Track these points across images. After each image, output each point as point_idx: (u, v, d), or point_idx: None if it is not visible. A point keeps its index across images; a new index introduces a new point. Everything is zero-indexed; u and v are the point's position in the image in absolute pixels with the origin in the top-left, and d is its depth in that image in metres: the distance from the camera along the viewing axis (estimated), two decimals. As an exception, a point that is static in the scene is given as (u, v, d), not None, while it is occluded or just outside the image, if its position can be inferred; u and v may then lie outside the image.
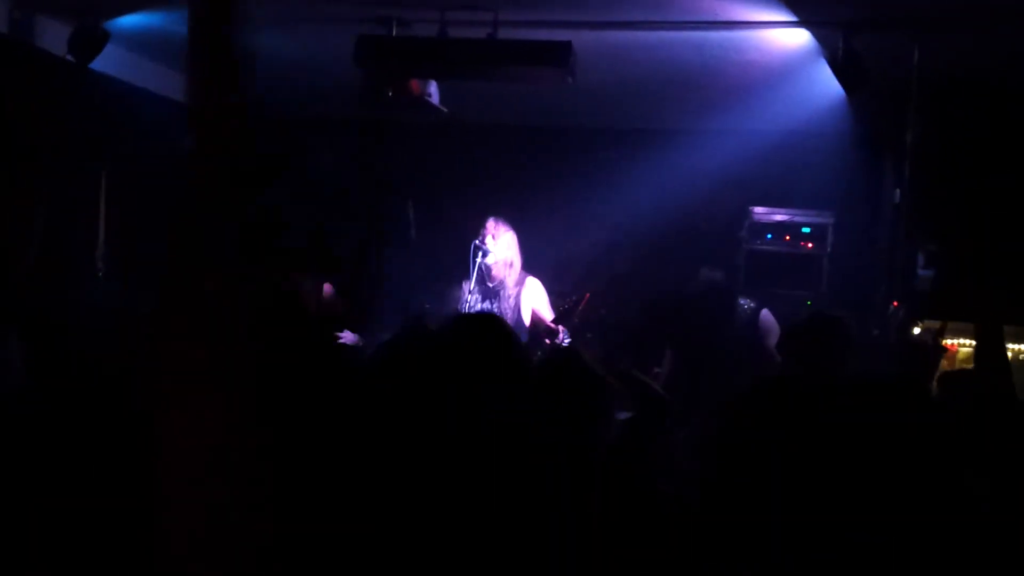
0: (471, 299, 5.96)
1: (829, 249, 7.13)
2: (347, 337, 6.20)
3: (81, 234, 6.87)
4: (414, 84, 5.91)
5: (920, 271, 6.32)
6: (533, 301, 5.96)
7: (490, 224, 5.98)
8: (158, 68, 7.18)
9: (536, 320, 5.90)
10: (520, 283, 6.02)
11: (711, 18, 5.49)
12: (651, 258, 7.72)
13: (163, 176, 7.38)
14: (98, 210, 7.11)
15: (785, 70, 6.11)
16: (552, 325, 5.68)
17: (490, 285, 6.00)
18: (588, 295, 5.72)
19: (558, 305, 5.76)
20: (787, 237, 7.21)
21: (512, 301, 5.95)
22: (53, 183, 6.30)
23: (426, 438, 2.36)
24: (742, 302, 5.59)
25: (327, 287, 6.55)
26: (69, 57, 5.88)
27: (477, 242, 5.92)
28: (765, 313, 5.52)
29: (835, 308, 6.30)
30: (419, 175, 8.58)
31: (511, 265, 6.00)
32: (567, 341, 5.61)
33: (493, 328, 2.99)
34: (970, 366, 5.69)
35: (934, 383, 3.80)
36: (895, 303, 6.09)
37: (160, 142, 7.11)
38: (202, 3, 1.89)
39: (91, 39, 5.87)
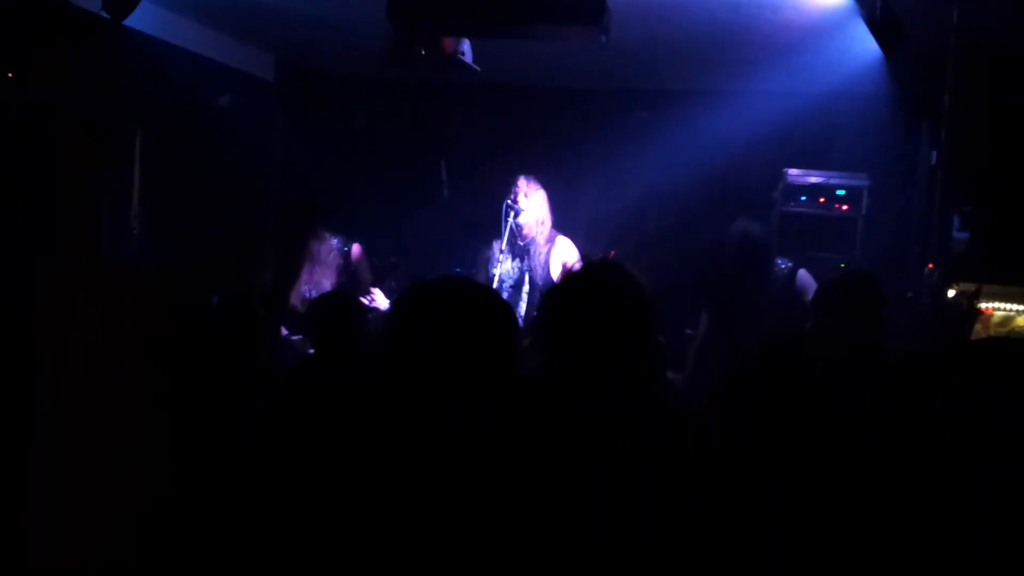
0: (502, 258, 5.97)
1: (864, 211, 7.08)
2: (378, 299, 6.23)
3: (115, 193, 6.92)
4: (447, 43, 5.89)
5: (955, 234, 6.27)
6: (563, 260, 5.96)
7: (521, 183, 5.99)
8: (193, 26, 7.20)
9: None
10: (551, 241, 6.03)
11: (747, -24, 5.45)
12: (683, 219, 7.70)
13: (197, 134, 7.47)
14: (133, 168, 7.15)
15: (821, 30, 6.04)
16: None
17: (520, 243, 6.01)
18: (612, 253, 5.72)
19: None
20: (821, 199, 7.16)
21: (542, 259, 5.96)
22: (89, 142, 6.35)
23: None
24: (779, 262, 5.56)
25: (356, 248, 6.58)
26: (103, 13, 5.88)
27: (509, 201, 5.93)
28: (803, 273, 5.50)
29: (871, 270, 6.29)
30: (452, 135, 8.58)
31: (542, 223, 6.01)
32: None
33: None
34: (1005, 329, 5.68)
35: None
36: (930, 265, 6.05)
37: (194, 100, 7.22)
38: None
39: (126, -4, 5.87)
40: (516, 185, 5.97)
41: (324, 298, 4.76)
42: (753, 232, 5.61)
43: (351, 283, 6.48)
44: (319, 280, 6.55)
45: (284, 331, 5.91)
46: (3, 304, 2.83)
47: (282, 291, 6.27)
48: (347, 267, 6.59)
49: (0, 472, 2.45)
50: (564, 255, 5.98)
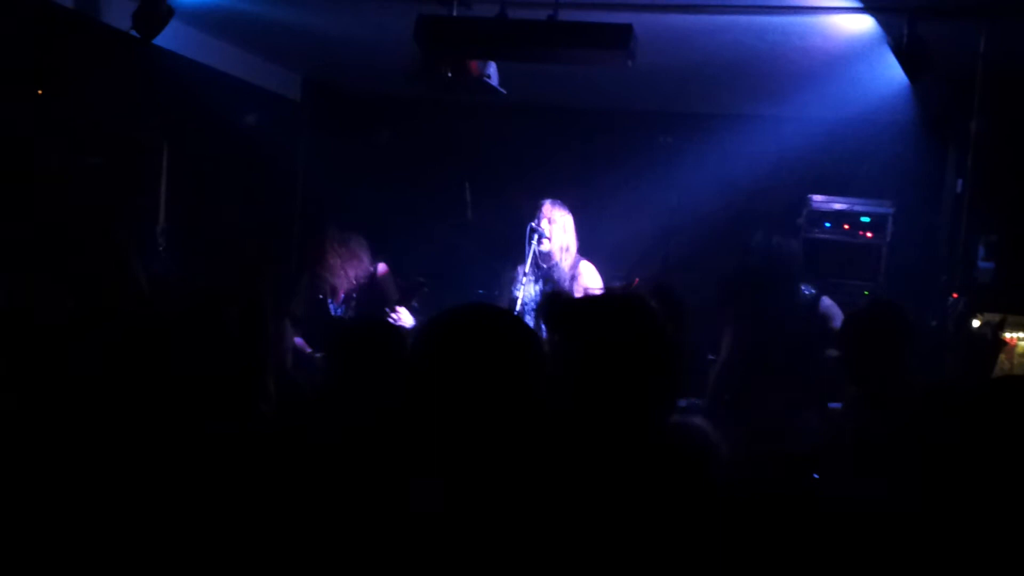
0: (525, 281, 5.97)
1: (888, 239, 7.05)
2: (403, 318, 6.23)
3: (143, 208, 6.97)
4: (473, 65, 5.91)
5: (980, 263, 6.24)
6: (587, 286, 5.96)
7: (546, 207, 5.98)
8: (221, 45, 7.26)
9: None
10: (575, 267, 6.02)
11: (774, 3, 5.45)
12: (707, 245, 7.69)
13: (223, 152, 7.52)
14: (159, 185, 7.21)
15: (848, 56, 6.04)
16: None
17: (544, 267, 6.01)
18: (637, 280, 5.71)
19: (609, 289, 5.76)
20: (846, 226, 7.13)
21: (567, 284, 5.95)
22: (117, 158, 6.41)
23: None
24: (803, 288, 5.53)
25: (382, 266, 6.57)
26: (134, 32, 5.94)
27: (533, 224, 5.93)
28: (826, 299, 5.46)
29: (894, 299, 6.27)
30: (477, 156, 8.60)
31: (567, 249, 6.00)
32: None
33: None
34: (1030, 360, 5.64)
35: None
36: (955, 295, 6.02)
37: (221, 119, 7.27)
38: None
39: (155, 15, 5.92)
40: (541, 210, 5.97)
41: (364, 322, 4.54)
42: (778, 241, 5.57)
43: (378, 300, 6.46)
44: (352, 292, 6.46)
45: (300, 342, 5.90)
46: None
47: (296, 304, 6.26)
48: (372, 284, 6.57)
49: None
50: (588, 280, 5.97)
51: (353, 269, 6.40)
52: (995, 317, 4.77)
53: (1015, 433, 1.80)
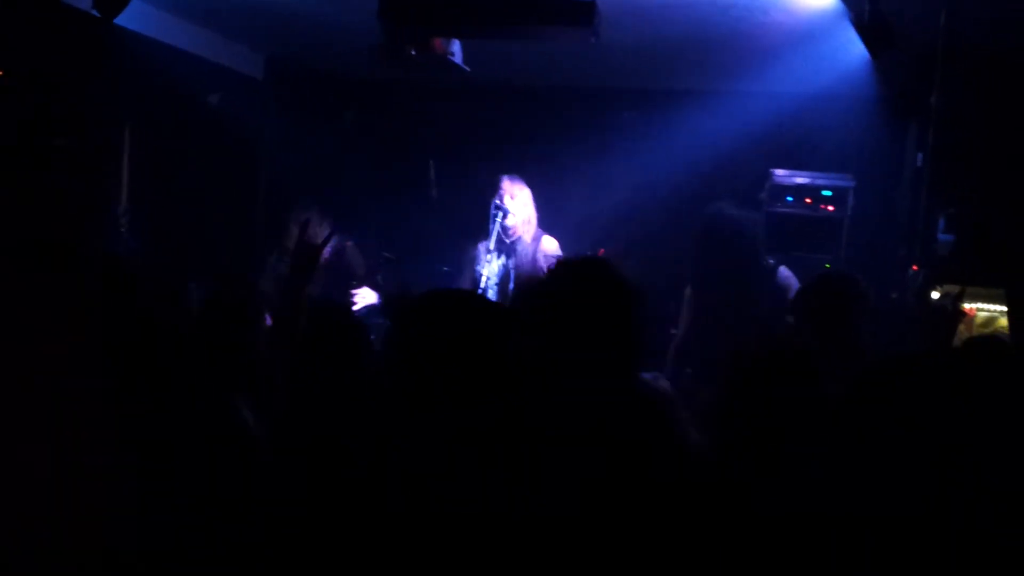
0: (489, 258, 6.00)
1: (849, 212, 7.11)
2: (366, 295, 6.25)
3: (104, 190, 6.92)
4: (437, 43, 5.91)
5: (940, 236, 6.31)
6: (548, 259, 6.00)
7: (506, 183, 6.02)
8: (182, 24, 7.20)
9: None
10: (536, 240, 6.07)
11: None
12: (670, 219, 7.73)
13: (186, 132, 7.46)
14: (121, 166, 7.15)
15: (810, 32, 6.08)
16: None
17: (507, 242, 6.05)
18: (601, 251, 5.75)
19: None
20: (807, 200, 7.19)
21: (529, 257, 6.00)
22: (77, 139, 6.35)
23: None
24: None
25: (349, 244, 6.58)
26: (94, 12, 5.89)
27: (498, 201, 5.96)
28: (783, 269, 5.49)
29: (854, 271, 6.32)
30: (441, 135, 8.60)
31: (529, 222, 6.07)
32: None
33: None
34: (988, 330, 5.72)
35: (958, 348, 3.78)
36: (915, 267, 6.09)
37: (184, 98, 7.22)
38: None
39: (117, -6, 5.88)
40: (501, 186, 6.01)
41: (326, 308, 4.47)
42: (736, 213, 5.56)
43: (343, 276, 6.47)
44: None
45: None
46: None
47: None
48: (340, 260, 6.58)
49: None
50: (550, 253, 6.02)
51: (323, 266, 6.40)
52: (954, 288, 4.83)
53: (967, 398, 1.84)
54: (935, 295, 5.66)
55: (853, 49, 5.83)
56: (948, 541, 1.76)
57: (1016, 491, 1.77)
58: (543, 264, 5.92)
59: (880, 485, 1.84)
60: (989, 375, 1.91)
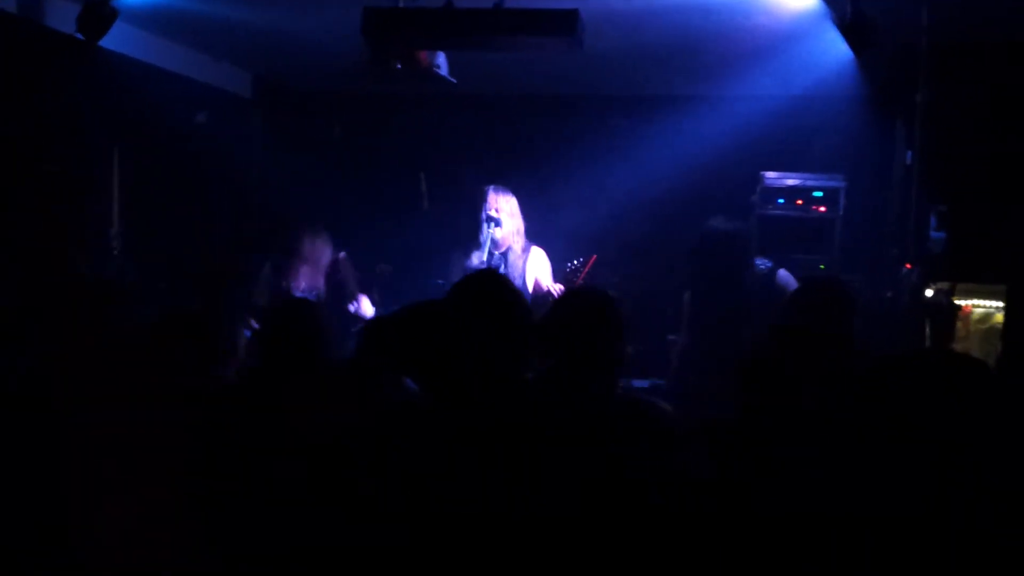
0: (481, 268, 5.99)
1: (841, 212, 7.11)
2: (363, 306, 6.24)
3: (95, 212, 6.91)
4: (422, 56, 5.91)
5: (932, 233, 6.30)
6: (537, 270, 6.00)
7: (492, 195, 6.00)
8: (167, 45, 7.20)
9: (539, 288, 5.92)
10: (526, 250, 6.05)
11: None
12: (662, 225, 7.73)
13: (175, 152, 7.45)
14: (111, 188, 7.14)
15: (793, 34, 6.09)
16: (552, 288, 5.69)
17: (497, 253, 6.04)
18: (595, 257, 5.75)
19: (565, 268, 5.81)
20: (799, 201, 7.18)
21: (519, 269, 5.98)
22: (66, 162, 6.34)
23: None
24: (758, 262, 5.56)
25: (343, 255, 6.57)
26: (78, 35, 5.89)
27: (490, 212, 5.95)
28: (782, 272, 5.49)
29: (848, 271, 6.32)
30: (431, 147, 8.60)
31: (518, 233, 6.04)
32: None
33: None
34: (984, 326, 5.72)
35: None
36: (908, 265, 6.08)
37: (172, 119, 7.21)
38: None
39: (100, 17, 5.87)
40: (487, 198, 5.99)
41: (289, 304, 4.38)
42: (728, 228, 5.58)
43: (338, 290, 6.46)
44: (316, 282, 6.46)
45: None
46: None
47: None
48: (335, 274, 6.57)
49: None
50: (538, 264, 6.02)
51: (316, 260, 6.41)
52: (945, 285, 4.83)
53: (961, 401, 1.84)
54: (928, 293, 5.66)
55: (837, 49, 5.83)
56: (948, 541, 1.75)
57: (1015, 491, 1.76)
58: (532, 276, 5.94)
59: (880, 485, 1.84)
60: (988, 375, 1.91)
